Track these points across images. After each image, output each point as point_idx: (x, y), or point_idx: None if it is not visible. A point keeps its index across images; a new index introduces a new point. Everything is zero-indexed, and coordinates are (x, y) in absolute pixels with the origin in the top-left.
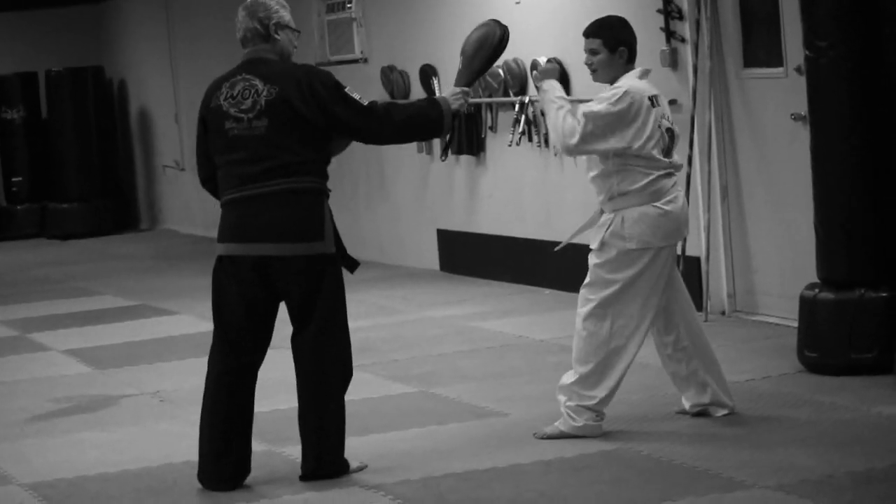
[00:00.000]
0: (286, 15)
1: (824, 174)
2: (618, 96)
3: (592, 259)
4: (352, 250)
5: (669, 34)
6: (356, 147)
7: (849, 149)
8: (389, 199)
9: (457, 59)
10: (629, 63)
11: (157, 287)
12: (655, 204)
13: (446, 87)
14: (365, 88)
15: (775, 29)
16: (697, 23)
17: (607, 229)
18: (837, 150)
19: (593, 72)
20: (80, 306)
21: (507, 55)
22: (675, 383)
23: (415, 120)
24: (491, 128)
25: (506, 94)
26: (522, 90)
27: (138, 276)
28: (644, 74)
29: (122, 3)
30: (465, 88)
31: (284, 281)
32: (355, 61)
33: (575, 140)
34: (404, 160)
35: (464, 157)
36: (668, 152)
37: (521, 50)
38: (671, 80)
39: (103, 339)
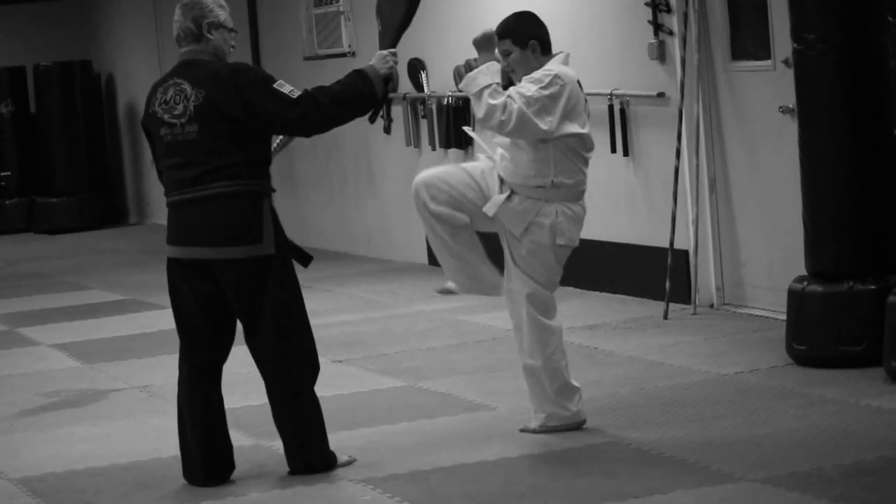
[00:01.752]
0: (222, 14)
1: (812, 167)
2: (549, 78)
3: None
4: (340, 244)
5: (657, 27)
6: (344, 141)
7: (837, 141)
8: (377, 194)
9: (445, 53)
10: (545, 55)
11: (145, 281)
12: (581, 202)
13: (434, 81)
14: None
15: (763, 21)
16: (685, 15)
17: (535, 215)
18: (825, 142)
19: (511, 72)
20: (68, 301)
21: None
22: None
23: (346, 98)
24: None
25: None
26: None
27: (127, 270)
28: (566, 59)
29: None
30: (392, 49)
31: (227, 283)
32: (343, 55)
33: (512, 123)
34: (392, 154)
35: (451, 151)
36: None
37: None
38: (659, 72)
39: (92, 334)
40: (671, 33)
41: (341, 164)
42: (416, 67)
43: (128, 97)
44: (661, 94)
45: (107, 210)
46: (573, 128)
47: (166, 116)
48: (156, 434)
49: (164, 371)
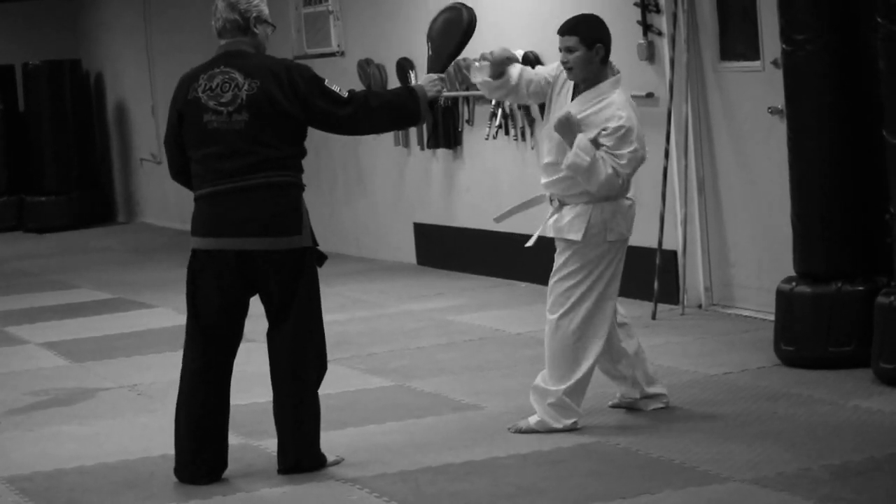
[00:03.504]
0: (265, 9)
1: (801, 168)
2: (629, 139)
3: (567, 252)
4: (329, 243)
5: (646, 27)
6: (333, 140)
7: (826, 142)
8: (366, 193)
9: None
10: (604, 62)
11: (134, 280)
12: (629, 197)
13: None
14: (341, 82)
15: (752, 22)
16: (674, 16)
17: (588, 221)
18: (814, 143)
19: (569, 70)
20: (57, 299)
21: (483, 48)
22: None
23: (393, 108)
24: (468, 121)
25: None
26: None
27: (116, 269)
28: (619, 82)
29: None
30: (441, 75)
31: (264, 275)
32: (332, 55)
33: (623, 183)
34: (381, 153)
35: (441, 151)
36: None
37: (499, 43)
38: (648, 73)
39: (81, 333)
40: (660, 34)
41: (331, 164)
42: (404, 67)
43: (117, 96)
44: (650, 95)
45: (96, 209)
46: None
47: (212, 103)
48: (144, 433)
49: (153, 370)
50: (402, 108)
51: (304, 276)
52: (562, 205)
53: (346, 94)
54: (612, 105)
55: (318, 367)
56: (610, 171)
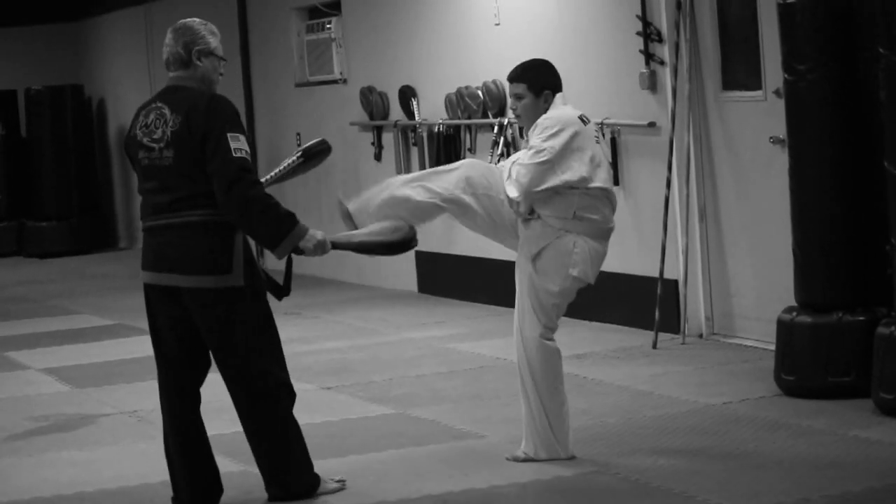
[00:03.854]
0: (213, 41)
1: (802, 198)
2: (551, 131)
3: (528, 268)
4: (329, 271)
5: (648, 56)
6: (335, 168)
7: (827, 172)
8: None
9: (436, 81)
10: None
11: (134, 306)
12: (603, 242)
13: (425, 109)
14: (344, 110)
15: (754, 52)
16: (676, 45)
17: (550, 241)
18: (816, 173)
19: (517, 117)
20: (58, 325)
21: (486, 77)
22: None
23: (269, 210)
24: (470, 149)
25: (484, 116)
26: (501, 112)
27: (116, 294)
28: (565, 100)
29: (101, 22)
30: (334, 241)
31: (196, 312)
32: (335, 82)
33: (516, 194)
34: (383, 180)
35: None
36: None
37: (501, 71)
38: (650, 102)
39: (81, 358)
40: (662, 63)
41: (331, 191)
42: (406, 95)
43: (118, 122)
44: (651, 124)
45: (96, 234)
46: (567, 177)
47: (145, 140)
48: (144, 459)
49: (153, 396)
50: (275, 220)
51: (239, 314)
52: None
53: (240, 156)
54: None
55: (285, 395)
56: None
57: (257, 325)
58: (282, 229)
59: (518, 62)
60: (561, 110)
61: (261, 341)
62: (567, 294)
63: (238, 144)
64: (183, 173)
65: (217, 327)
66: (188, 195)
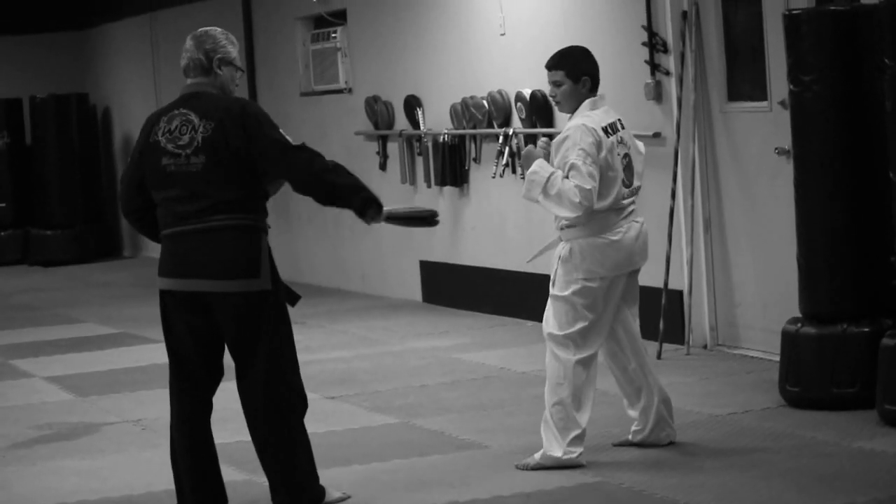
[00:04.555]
0: (233, 51)
1: (808, 209)
2: (568, 146)
3: (552, 289)
4: (334, 280)
5: (654, 67)
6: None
7: (832, 183)
8: (372, 230)
9: (441, 91)
10: (592, 92)
11: (139, 315)
12: (603, 235)
13: (430, 119)
14: (349, 119)
15: (760, 63)
16: (682, 56)
17: (558, 259)
18: (821, 184)
19: (557, 104)
20: (62, 333)
21: (491, 86)
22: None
23: (342, 177)
24: (475, 159)
25: (490, 126)
26: (506, 122)
27: (121, 303)
28: (594, 105)
29: (106, 30)
30: (385, 213)
31: (223, 317)
32: (340, 91)
33: (589, 201)
34: (387, 190)
35: (447, 189)
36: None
37: (506, 81)
38: (655, 112)
39: (85, 367)
40: (668, 73)
41: None
42: (411, 104)
43: (124, 130)
44: (657, 135)
45: (101, 243)
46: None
47: (170, 146)
48: (148, 468)
49: (157, 405)
50: (350, 184)
51: (265, 318)
52: (560, 239)
53: (297, 143)
54: (567, 129)
55: (300, 404)
56: (570, 184)
57: (282, 331)
58: (362, 192)
59: (523, 72)
60: (578, 122)
61: (283, 347)
62: (581, 296)
63: (289, 137)
64: (211, 180)
65: (244, 331)
66: (216, 202)
